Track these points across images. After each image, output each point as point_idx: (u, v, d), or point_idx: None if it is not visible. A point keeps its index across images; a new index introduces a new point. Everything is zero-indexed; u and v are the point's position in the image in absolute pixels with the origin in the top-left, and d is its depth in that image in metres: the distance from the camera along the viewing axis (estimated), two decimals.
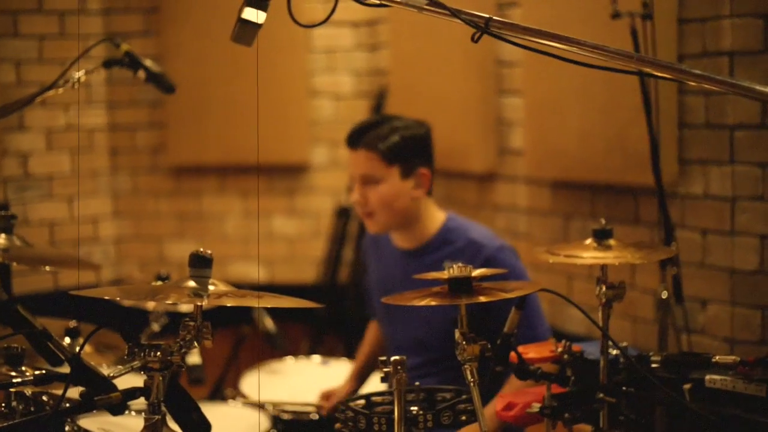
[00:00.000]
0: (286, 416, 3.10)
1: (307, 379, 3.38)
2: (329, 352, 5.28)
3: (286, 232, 5.77)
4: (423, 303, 2.25)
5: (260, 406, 3.11)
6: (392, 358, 2.18)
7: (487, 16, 2.08)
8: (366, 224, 3.18)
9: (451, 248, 3.05)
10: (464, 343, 2.20)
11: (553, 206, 4.54)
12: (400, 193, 3.04)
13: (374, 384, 3.13)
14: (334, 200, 5.65)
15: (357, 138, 3.06)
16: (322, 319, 5.45)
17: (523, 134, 4.65)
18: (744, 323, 3.63)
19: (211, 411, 2.90)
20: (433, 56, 5.01)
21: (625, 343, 2.50)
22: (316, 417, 3.14)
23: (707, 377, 2.38)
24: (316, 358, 3.72)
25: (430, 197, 3.15)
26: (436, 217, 3.14)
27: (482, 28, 2.08)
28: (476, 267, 2.81)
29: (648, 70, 2.11)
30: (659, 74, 2.14)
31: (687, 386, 2.41)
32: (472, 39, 2.09)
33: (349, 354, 5.24)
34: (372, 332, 3.47)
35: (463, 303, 2.22)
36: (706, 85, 2.07)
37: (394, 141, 3.02)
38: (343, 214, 5.45)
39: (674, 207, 3.80)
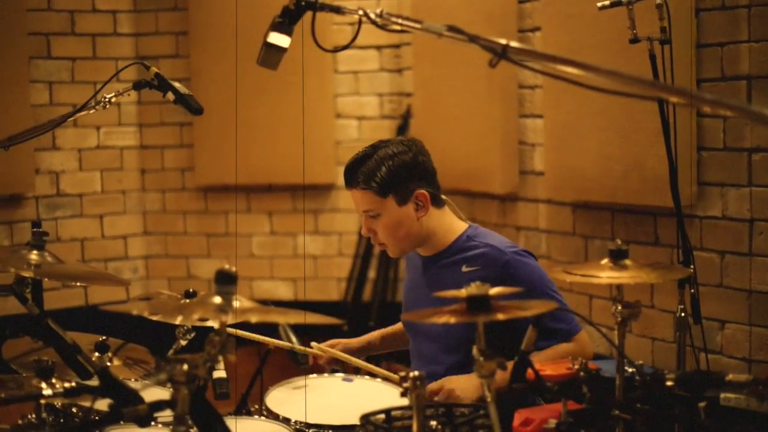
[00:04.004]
0: (309, 430, 3.14)
1: (330, 396, 3.42)
2: (353, 369, 5.34)
3: (311, 251, 5.84)
4: (442, 320, 2.31)
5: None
6: (411, 374, 2.22)
7: (505, 42, 2.13)
8: (386, 251, 3.30)
9: (470, 253, 3.11)
10: (482, 359, 2.24)
11: (573, 227, 4.59)
12: (402, 220, 3.13)
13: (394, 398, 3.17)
14: (359, 220, 5.72)
15: (349, 178, 3.15)
16: (346, 337, 5.50)
17: (543, 156, 4.70)
18: (761, 343, 3.66)
19: (236, 424, 2.97)
20: (456, 79, 5.06)
21: (640, 362, 2.53)
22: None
23: (722, 395, 2.39)
24: (340, 374, 3.77)
25: (443, 208, 3.22)
26: (454, 226, 3.21)
27: (499, 53, 2.14)
28: (496, 271, 2.93)
29: (664, 95, 2.16)
30: (675, 100, 2.19)
31: (702, 404, 2.44)
32: (490, 64, 2.15)
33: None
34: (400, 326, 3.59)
35: (480, 320, 2.27)
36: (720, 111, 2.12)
37: (382, 174, 3.09)
38: None
39: (693, 229, 3.84)
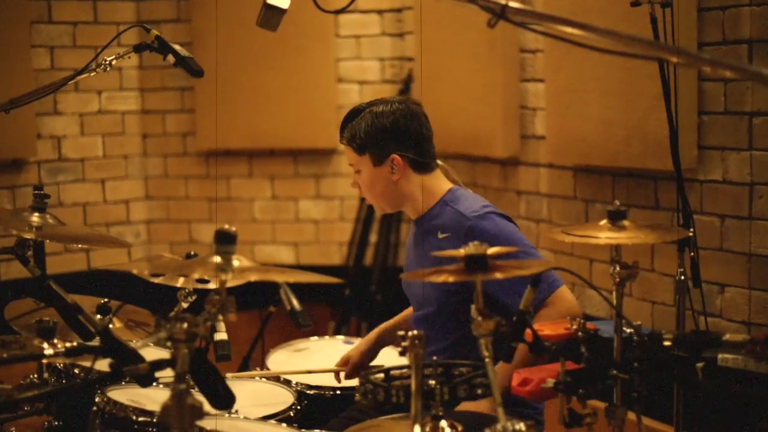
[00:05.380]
0: (310, 392, 3.17)
1: (331, 358, 3.44)
2: (354, 333, 5.38)
3: (313, 216, 5.84)
4: (441, 279, 2.32)
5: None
6: (410, 333, 2.24)
7: (504, 2, 2.13)
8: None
9: (443, 219, 3.15)
10: (480, 318, 2.26)
11: (574, 191, 4.59)
12: (376, 179, 3.19)
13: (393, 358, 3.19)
14: None
15: (341, 132, 3.25)
16: (347, 301, 5.54)
17: (545, 121, 4.70)
18: (761, 307, 3.67)
19: (237, 386, 2.99)
20: (458, 44, 5.05)
21: (638, 322, 2.54)
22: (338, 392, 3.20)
23: (720, 356, 2.40)
24: (340, 337, 3.80)
25: (432, 173, 3.23)
26: (437, 191, 3.22)
27: (498, 13, 2.14)
28: (462, 239, 2.90)
29: (662, 55, 2.15)
30: (674, 60, 2.19)
31: (700, 365, 2.45)
32: (489, 24, 2.14)
33: None
34: (406, 313, 3.54)
35: (478, 279, 2.28)
36: (725, 73, 2.11)
37: (361, 134, 3.18)
38: None
39: (693, 192, 3.85)
